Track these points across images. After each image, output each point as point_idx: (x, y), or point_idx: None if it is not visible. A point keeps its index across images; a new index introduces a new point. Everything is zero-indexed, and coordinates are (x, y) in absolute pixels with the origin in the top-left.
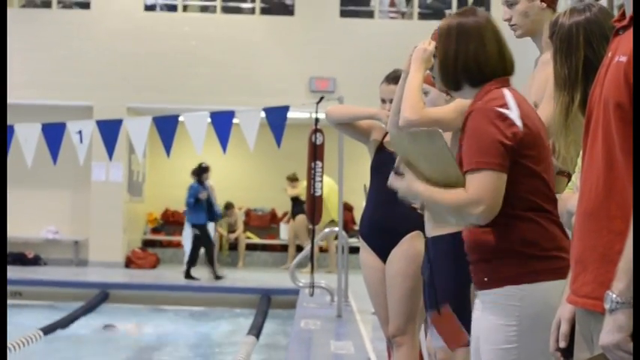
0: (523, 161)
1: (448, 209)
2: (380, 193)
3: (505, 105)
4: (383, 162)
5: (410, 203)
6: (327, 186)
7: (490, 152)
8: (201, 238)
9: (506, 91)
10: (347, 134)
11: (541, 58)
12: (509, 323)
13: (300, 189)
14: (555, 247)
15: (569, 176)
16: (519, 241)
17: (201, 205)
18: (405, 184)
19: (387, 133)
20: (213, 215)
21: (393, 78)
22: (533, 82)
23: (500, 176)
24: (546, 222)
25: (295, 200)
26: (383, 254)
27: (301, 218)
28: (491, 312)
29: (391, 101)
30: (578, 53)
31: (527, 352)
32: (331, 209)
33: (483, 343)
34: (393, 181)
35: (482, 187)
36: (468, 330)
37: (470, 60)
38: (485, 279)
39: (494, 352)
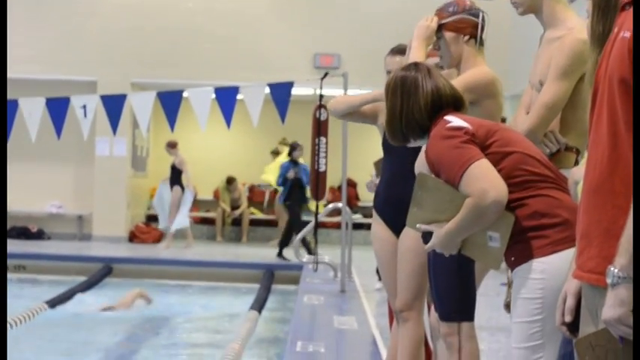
0: (490, 150)
1: (472, 221)
2: (393, 169)
3: (447, 124)
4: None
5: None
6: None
7: (460, 154)
8: (291, 217)
9: (446, 117)
10: (354, 122)
11: (545, 35)
12: (533, 296)
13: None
14: (566, 212)
15: (577, 152)
16: (534, 216)
17: (291, 185)
18: (435, 237)
19: None
20: (302, 196)
21: (398, 50)
22: (537, 61)
23: (483, 162)
24: (550, 191)
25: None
26: (396, 228)
27: None
28: (519, 288)
29: None
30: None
31: (551, 324)
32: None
33: (512, 317)
34: (428, 246)
35: (477, 180)
36: (471, 305)
37: (410, 117)
38: (513, 258)
39: (520, 326)
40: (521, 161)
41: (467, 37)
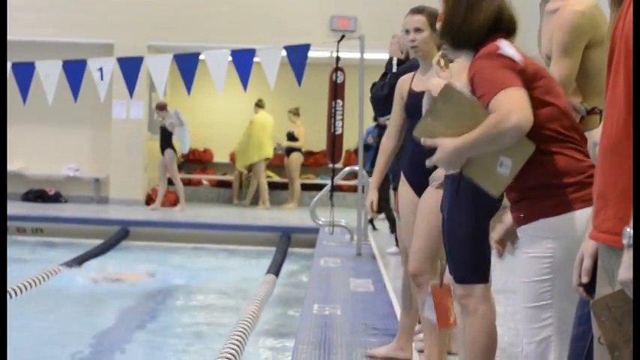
0: (532, 93)
1: (487, 139)
2: None
3: (499, 49)
4: (415, 104)
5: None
6: (259, 121)
7: (504, 76)
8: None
9: (498, 42)
10: None
11: (547, 7)
12: (543, 255)
13: (297, 126)
14: (583, 173)
15: (600, 112)
16: (551, 174)
17: (371, 150)
18: (440, 151)
19: (413, 77)
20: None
21: (418, 9)
22: (541, 35)
23: (521, 91)
24: (572, 151)
25: (290, 137)
26: (420, 190)
27: (295, 156)
28: (527, 246)
29: (415, 30)
30: None
31: (560, 284)
32: (260, 146)
33: (519, 276)
34: (431, 162)
35: (508, 101)
36: (486, 267)
37: (470, 25)
38: (522, 215)
39: (528, 285)
40: (555, 116)
41: None
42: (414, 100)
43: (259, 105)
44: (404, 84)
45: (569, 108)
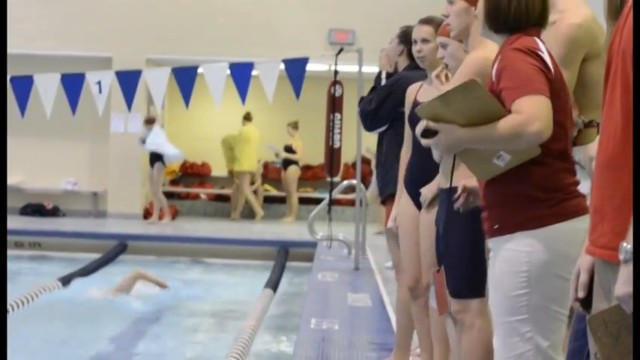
0: None
1: (502, 138)
2: (422, 149)
3: (538, 49)
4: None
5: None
6: (244, 134)
7: (536, 80)
8: None
9: (537, 39)
10: None
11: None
12: (519, 269)
13: (295, 139)
14: (564, 190)
15: (598, 126)
16: (536, 186)
17: None
18: (443, 136)
19: (420, 88)
20: None
21: (426, 20)
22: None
23: (549, 102)
24: (561, 170)
25: (288, 150)
26: (420, 203)
27: (292, 169)
28: (502, 259)
29: (422, 40)
30: None
31: (537, 298)
32: (242, 158)
33: (494, 291)
34: (427, 141)
35: (537, 107)
36: (482, 281)
37: (521, 7)
38: (496, 226)
39: (505, 299)
40: (559, 137)
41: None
42: None
43: (247, 118)
44: (410, 94)
45: (571, 130)
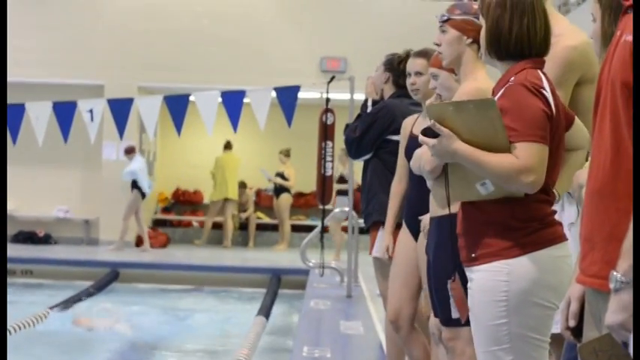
0: None
1: (495, 173)
2: (421, 183)
3: (543, 87)
4: (414, 148)
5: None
6: (228, 159)
7: (538, 125)
8: None
9: (541, 74)
10: None
11: None
12: (498, 299)
13: (287, 167)
14: (541, 219)
15: (588, 153)
16: (509, 215)
17: None
18: (442, 141)
19: (416, 121)
20: None
21: (419, 53)
22: None
23: (547, 150)
24: (539, 201)
25: (280, 177)
26: (418, 236)
27: (285, 197)
28: (480, 289)
29: (416, 73)
30: None
31: (517, 327)
32: (222, 184)
33: (474, 321)
34: (425, 139)
35: (534, 158)
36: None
37: (523, 34)
38: (473, 255)
39: (486, 329)
40: (549, 171)
41: (470, 40)
42: (413, 143)
43: (227, 146)
44: (406, 127)
45: (560, 165)
